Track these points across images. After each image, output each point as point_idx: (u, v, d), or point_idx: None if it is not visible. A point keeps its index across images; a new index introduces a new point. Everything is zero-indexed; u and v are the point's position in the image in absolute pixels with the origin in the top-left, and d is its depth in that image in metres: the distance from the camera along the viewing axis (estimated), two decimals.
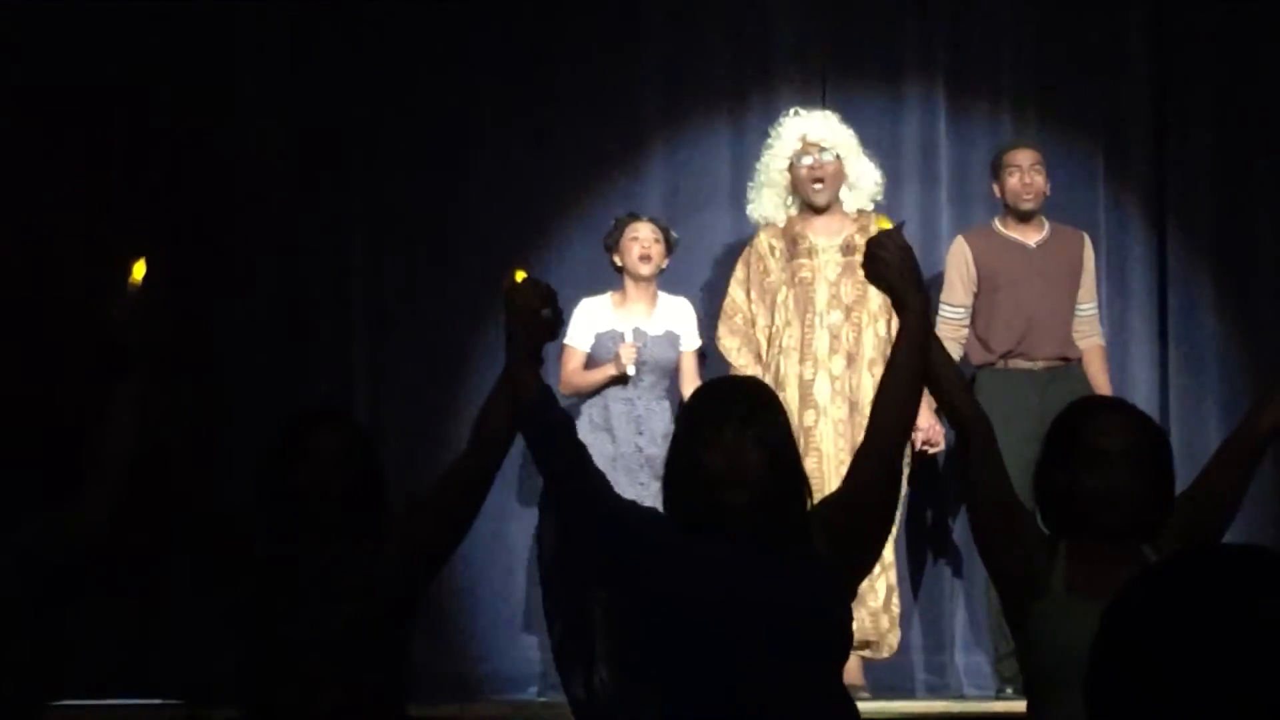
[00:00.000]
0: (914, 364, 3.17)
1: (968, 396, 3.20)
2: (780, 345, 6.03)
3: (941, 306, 6.14)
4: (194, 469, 3.57)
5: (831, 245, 6.08)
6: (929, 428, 5.91)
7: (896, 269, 3.20)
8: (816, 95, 6.66)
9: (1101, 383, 6.19)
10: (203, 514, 3.46)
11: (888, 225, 3.31)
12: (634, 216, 6.21)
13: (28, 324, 6.20)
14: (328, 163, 6.75)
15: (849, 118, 6.53)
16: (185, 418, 6.06)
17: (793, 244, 6.10)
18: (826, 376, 6.00)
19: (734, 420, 3.04)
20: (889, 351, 5.65)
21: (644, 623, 3.06)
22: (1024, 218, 6.22)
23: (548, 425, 3.26)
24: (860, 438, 5.68)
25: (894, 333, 5.76)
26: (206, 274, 6.54)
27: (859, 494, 3.18)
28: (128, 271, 3.39)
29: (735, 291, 6.15)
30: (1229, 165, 6.74)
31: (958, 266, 6.19)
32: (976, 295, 6.17)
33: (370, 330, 6.74)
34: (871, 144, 6.58)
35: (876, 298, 5.94)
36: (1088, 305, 6.26)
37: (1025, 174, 6.19)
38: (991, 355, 6.13)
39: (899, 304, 3.23)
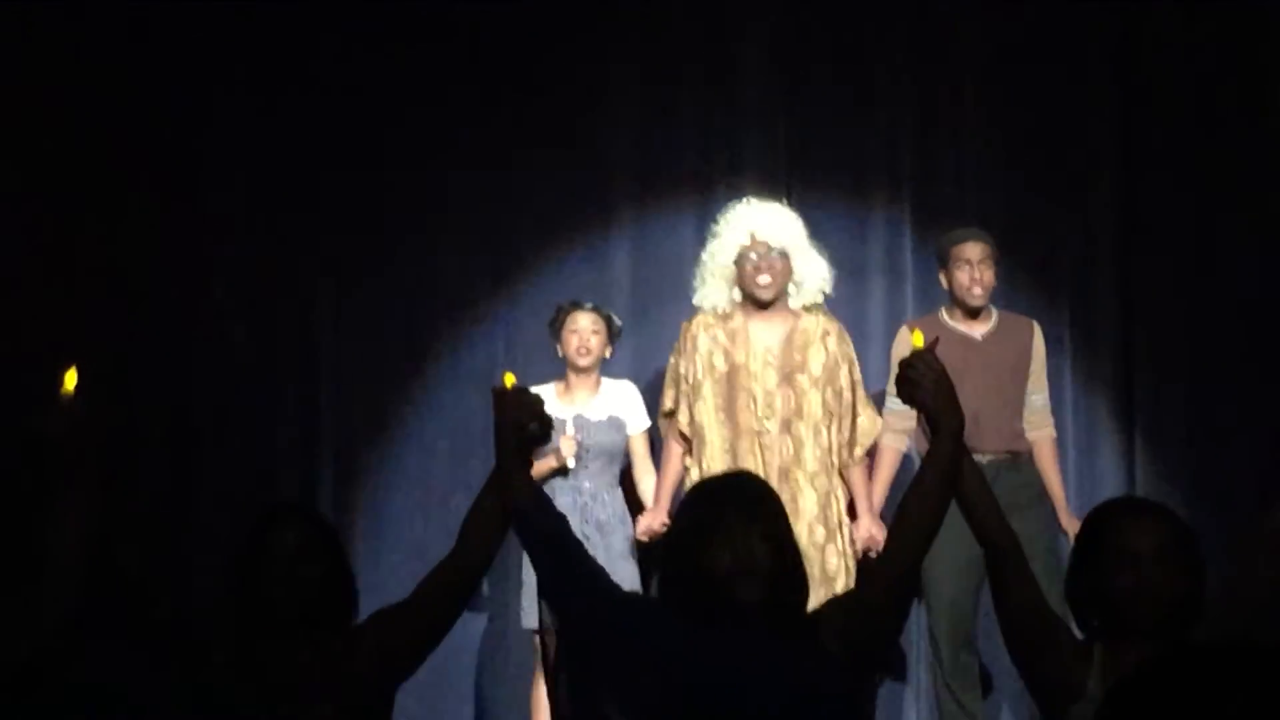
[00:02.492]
0: (943, 483, 3.15)
1: (998, 516, 3.17)
2: (711, 445, 5.87)
3: (887, 399, 6.08)
4: (148, 573, 3.48)
5: (768, 349, 5.93)
6: (868, 537, 5.89)
7: (931, 390, 3.17)
8: (781, 189, 6.65)
9: (1051, 473, 6.14)
10: (160, 618, 3.36)
11: (920, 344, 3.25)
12: (575, 305, 6.19)
13: None
14: (291, 242, 6.72)
15: (812, 214, 6.53)
16: (134, 522, 6.05)
17: (730, 338, 5.96)
18: None
19: (741, 516, 3.02)
20: (836, 460, 5.79)
21: (652, 711, 2.99)
22: (972, 311, 6.15)
23: (544, 531, 3.23)
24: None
25: (834, 442, 5.84)
26: (162, 369, 6.50)
27: (871, 598, 3.15)
28: (59, 381, 3.32)
29: (681, 369, 5.99)
30: (1197, 289, 6.71)
31: (899, 353, 6.12)
32: None
33: (335, 420, 6.70)
34: (836, 242, 6.59)
35: (817, 409, 5.88)
36: (1038, 395, 6.16)
37: (975, 269, 6.10)
38: None
39: (934, 424, 3.20)
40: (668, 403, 6.03)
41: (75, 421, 3.29)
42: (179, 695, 3.39)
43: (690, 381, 5.94)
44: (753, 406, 5.87)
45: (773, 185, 6.64)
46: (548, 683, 3.19)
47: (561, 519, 3.29)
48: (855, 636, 3.05)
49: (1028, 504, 5.91)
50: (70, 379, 3.34)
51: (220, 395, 6.59)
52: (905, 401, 3.26)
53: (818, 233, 6.58)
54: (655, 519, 5.95)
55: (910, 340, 3.29)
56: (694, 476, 5.84)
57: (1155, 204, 6.75)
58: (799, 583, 3.07)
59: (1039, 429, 6.15)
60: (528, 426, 3.29)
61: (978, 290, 6.10)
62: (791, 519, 5.59)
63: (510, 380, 3.35)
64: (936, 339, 3.29)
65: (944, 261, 6.19)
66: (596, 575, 3.20)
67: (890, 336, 6.64)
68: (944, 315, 6.19)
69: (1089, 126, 6.83)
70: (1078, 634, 3.13)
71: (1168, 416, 6.67)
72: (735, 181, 6.56)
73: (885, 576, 3.17)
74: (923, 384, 3.17)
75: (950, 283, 6.16)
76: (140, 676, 4.64)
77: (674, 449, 6.01)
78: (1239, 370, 6.65)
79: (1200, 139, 6.75)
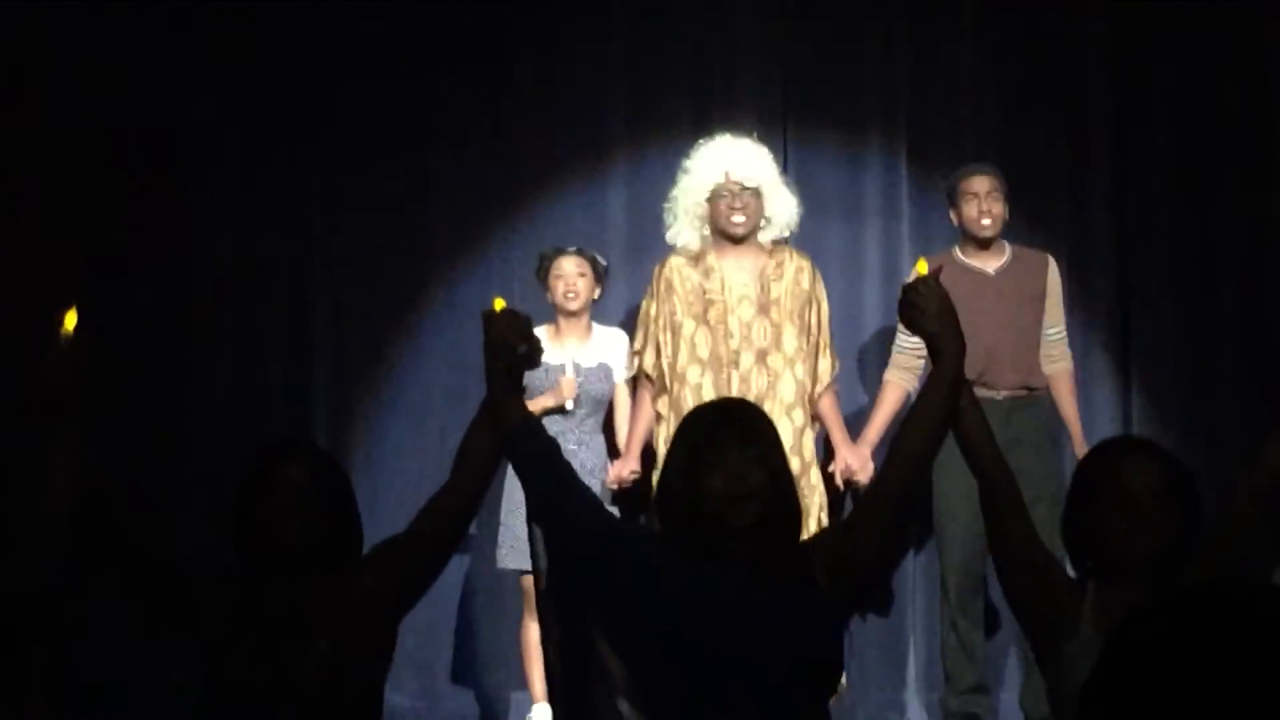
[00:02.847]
0: (942, 410, 3.13)
1: (993, 449, 3.16)
2: (687, 383, 5.87)
3: (897, 336, 6.07)
4: (141, 516, 3.45)
5: (744, 283, 5.93)
6: (845, 467, 5.90)
7: (934, 316, 3.16)
8: (778, 129, 6.62)
9: (1068, 406, 6.12)
10: (155, 562, 3.34)
11: (924, 270, 3.24)
12: (559, 251, 6.16)
13: None
14: (282, 189, 6.70)
15: (808, 153, 6.51)
16: (128, 465, 6.06)
17: (705, 276, 5.95)
18: None
19: (735, 441, 3.01)
20: (813, 393, 5.80)
21: (637, 641, 2.99)
22: (983, 244, 6.13)
23: (534, 452, 3.22)
24: None
25: (806, 377, 5.84)
26: (159, 308, 6.52)
27: (863, 528, 3.13)
28: (59, 321, 3.29)
29: (650, 311, 5.99)
30: (1188, 227, 6.70)
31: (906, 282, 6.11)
32: None
33: (329, 357, 6.70)
34: (832, 181, 6.57)
35: (792, 341, 5.88)
36: (1054, 329, 6.14)
37: (983, 201, 6.09)
38: None
39: (934, 350, 3.18)
40: (635, 344, 6.04)
41: (74, 362, 3.27)
42: (177, 636, 3.38)
43: (663, 322, 5.93)
44: (730, 340, 5.88)
45: (769, 125, 6.61)
46: (540, 616, 3.19)
47: (553, 442, 3.28)
48: (844, 568, 3.04)
49: (1040, 443, 5.92)
50: (70, 319, 3.32)
51: (213, 335, 6.59)
52: (907, 326, 3.25)
53: (813, 173, 6.58)
54: (625, 467, 5.95)
55: (916, 267, 3.29)
56: (667, 418, 5.85)
57: (1150, 142, 6.73)
58: (792, 510, 3.07)
59: (1057, 362, 6.14)
60: (517, 348, 3.25)
61: (986, 221, 6.08)
62: None
63: (500, 304, 3.32)
64: (941, 266, 3.28)
65: (953, 199, 6.18)
66: (588, 498, 3.20)
67: (886, 276, 6.63)
68: (957, 252, 6.17)
69: (1085, 65, 6.80)
70: (1072, 573, 3.13)
71: (1163, 354, 6.68)
72: (731, 121, 6.50)
73: (877, 502, 3.15)
74: (926, 309, 3.15)
75: (960, 218, 6.15)
76: (136, 620, 4.65)
77: (643, 396, 6.01)
78: (1233, 308, 6.65)
79: (1195, 77, 6.73)
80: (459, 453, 3.36)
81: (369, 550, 3.37)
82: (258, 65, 6.69)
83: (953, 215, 6.19)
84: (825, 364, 5.97)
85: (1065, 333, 6.19)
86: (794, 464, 5.81)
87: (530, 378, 5.93)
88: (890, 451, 3.21)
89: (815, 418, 5.97)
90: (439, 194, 6.75)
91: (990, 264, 6.14)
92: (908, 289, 3.20)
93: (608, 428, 6.15)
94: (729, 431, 3.03)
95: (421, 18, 6.73)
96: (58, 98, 6.48)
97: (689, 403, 5.78)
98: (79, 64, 6.50)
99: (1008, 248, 6.18)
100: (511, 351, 3.26)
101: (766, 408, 5.75)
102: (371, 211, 6.73)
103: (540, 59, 6.77)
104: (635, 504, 5.94)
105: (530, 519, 3.18)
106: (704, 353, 5.89)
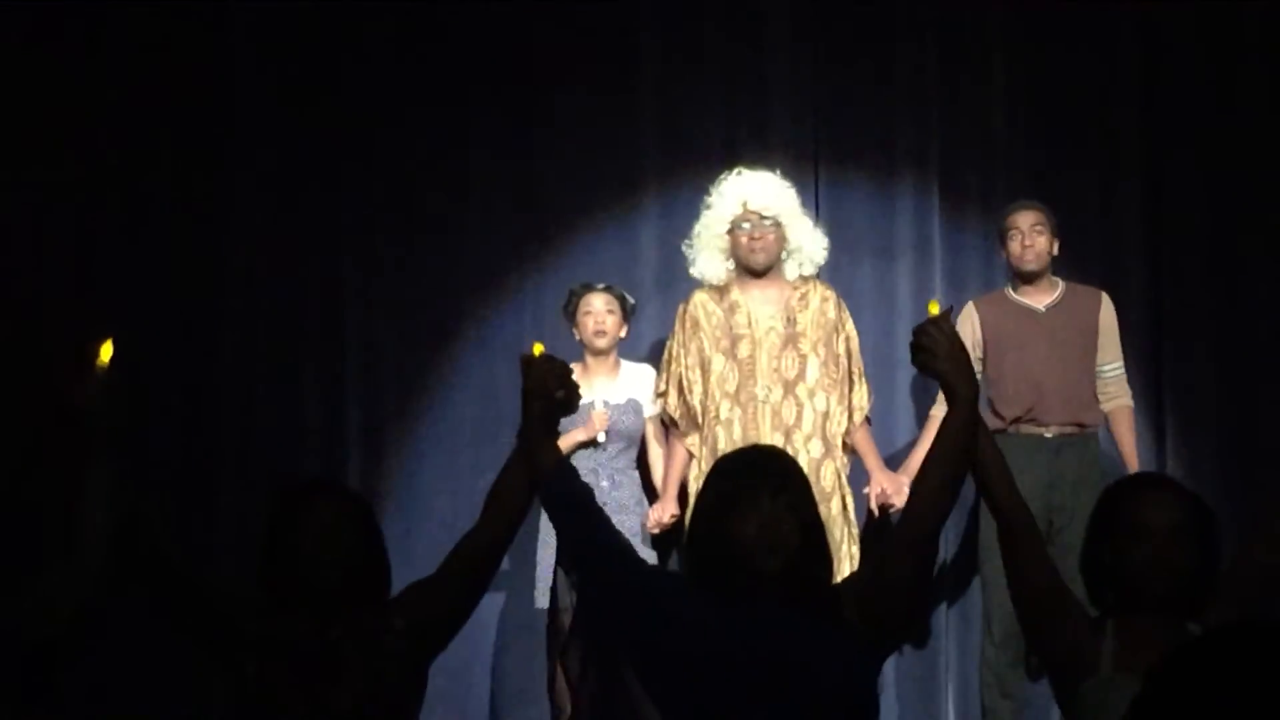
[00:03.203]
0: (958, 453, 3.12)
1: (1011, 489, 3.15)
2: (719, 417, 5.88)
3: None
4: (174, 543, 3.46)
5: (770, 315, 5.96)
6: (880, 492, 5.90)
7: (945, 357, 3.14)
8: (809, 166, 6.62)
9: (1127, 445, 6.12)
10: (189, 588, 3.34)
11: (936, 311, 3.22)
12: (588, 288, 6.18)
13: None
14: (318, 217, 6.73)
15: (840, 191, 6.50)
16: (161, 503, 6.07)
17: (730, 311, 5.98)
18: None
19: (767, 489, 3.01)
20: (832, 426, 5.79)
21: (670, 685, 2.98)
22: (1030, 279, 6.16)
23: (568, 497, 3.23)
24: None
25: (833, 409, 5.83)
26: (192, 344, 6.56)
27: (890, 573, 3.11)
28: (95, 353, 3.30)
29: (674, 352, 6.02)
30: (1221, 257, 6.69)
31: (963, 329, 6.10)
32: (984, 361, 6.09)
33: (363, 395, 6.72)
34: (863, 219, 6.57)
35: (814, 372, 5.87)
36: (1111, 365, 6.16)
37: (1026, 236, 6.13)
38: (1001, 422, 6.03)
39: (947, 391, 3.17)
40: (659, 386, 6.06)
41: (110, 395, 3.29)
42: (208, 674, 3.37)
43: (691, 361, 5.95)
44: (759, 374, 5.88)
45: (800, 162, 6.63)
46: (555, 659, 3.18)
47: (586, 488, 3.29)
48: (874, 609, 3.03)
49: (1089, 482, 5.90)
50: (106, 351, 3.33)
51: (247, 373, 6.60)
52: (919, 369, 3.24)
53: (845, 211, 6.58)
54: (665, 511, 5.97)
55: (929, 308, 3.26)
56: (700, 456, 5.87)
57: (1184, 176, 6.72)
58: (823, 556, 3.06)
59: (1115, 399, 6.15)
60: (555, 394, 3.28)
61: (1030, 255, 6.11)
62: None
63: (539, 349, 3.37)
64: (951, 307, 3.27)
65: (1001, 237, 6.23)
66: (620, 544, 3.19)
67: (918, 314, 6.59)
68: (1008, 290, 6.24)
69: (1116, 101, 6.79)
70: (1090, 610, 3.11)
71: (1198, 389, 6.64)
72: (762, 159, 6.52)
73: (903, 543, 3.13)
74: (937, 351, 3.14)
75: (1007, 255, 6.18)
76: (167, 655, 4.65)
77: (672, 439, 6.04)
78: (1270, 342, 6.62)
79: (1225, 108, 6.73)
80: (490, 494, 3.37)
81: (400, 592, 3.37)
82: (291, 101, 6.72)
83: (1002, 254, 6.24)
84: (860, 394, 5.98)
85: (1123, 369, 6.19)
86: (834, 486, 5.84)
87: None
88: (911, 493, 3.21)
89: (850, 449, 5.96)
90: (470, 232, 6.77)
91: (1040, 301, 6.17)
92: (918, 331, 3.18)
93: (641, 464, 6.14)
94: (761, 479, 3.03)
95: (452, 54, 6.75)
96: (92, 126, 6.51)
97: (720, 438, 5.79)
98: (113, 96, 6.54)
99: (1060, 284, 6.22)
100: (549, 397, 3.28)
101: (795, 439, 5.77)
102: (403, 248, 6.75)
103: (572, 95, 6.79)
104: (673, 544, 5.95)
105: (559, 563, 3.17)
106: (731, 387, 5.90)
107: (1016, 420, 6.02)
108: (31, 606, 3.28)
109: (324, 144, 6.73)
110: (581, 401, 5.89)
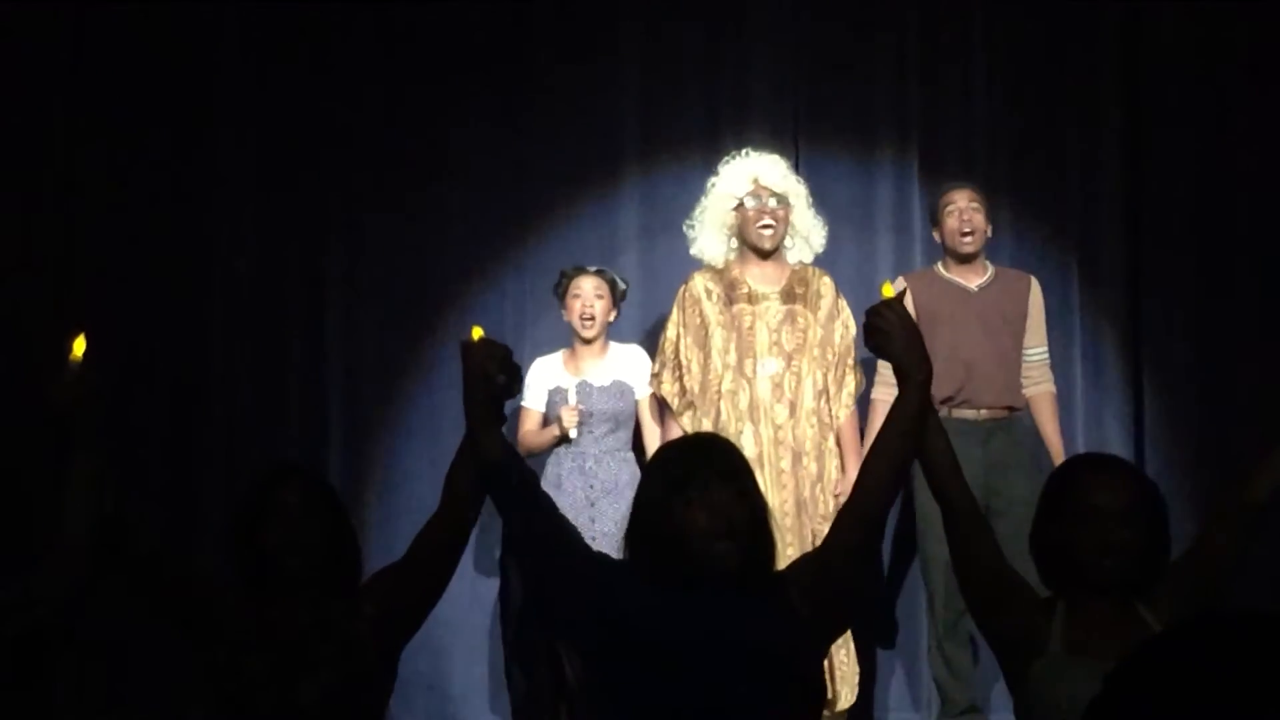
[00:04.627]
0: (907, 436, 3.11)
1: (956, 477, 3.14)
2: (719, 390, 5.90)
3: None
4: (155, 534, 3.49)
5: (770, 291, 5.97)
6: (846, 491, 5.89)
7: (899, 340, 3.13)
8: (789, 143, 6.64)
9: (1051, 431, 6.07)
10: (170, 580, 3.37)
11: (890, 293, 3.19)
12: (579, 270, 6.18)
13: None
14: (298, 212, 6.74)
15: (819, 168, 6.52)
16: (144, 490, 6.09)
17: (730, 288, 5.98)
18: (770, 426, 5.86)
19: (716, 476, 2.99)
20: (830, 403, 5.79)
21: (618, 669, 2.98)
22: (964, 259, 6.10)
23: (510, 484, 3.15)
24: (802, 489, 5.73)
25: (829, 383, 5.84)
26: (175, 331, 6.58)
27: (836, 557, 3.11)
28: (68, 348, 3.32)
29: (670, 334, 6.04)
30: (1202, 228, 6.68)
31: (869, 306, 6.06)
32: None
33: (344, 381, 6.72)
34: (843, 196, 6.58)
35: (814, 345, 5.89)
36: (1036, 350, 6.11)
37: (963, 213, 6.07)
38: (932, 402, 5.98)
39: (901, 375, 3.15)
40: (654, 368, 6.07)
41: (86, 389, 3.31)
42: (185, 659, 3.40)
43: (691, 339, 5.96)
44: (758, 346, 5.90)
45: (780, 139, 6.63)
46: (510, 645, 3.18)
47: (531, 474, 3.25)
48: (822, 593, 3.03)
49: (1020, 464, 5.89)
50: (79, 345, 3.35)
51: (228, 359, 6.61)
52: (873, 351, 3.22)
53: (825, 187, 6.59)
54: None
55: (882, 290, 3.24)
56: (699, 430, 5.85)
57: (1164, 152, 6.71)
58: (769, 541, 3.04)
59: (1038, 384, 6.10)
60: (495, 378, 3.16)
61: (967, 231, 6.06)
62: (796, 450, 5.71)
63: (478, 333, 3.24)
64: (905, 289, 3.25)
65: (935, 217, 6.18)
66: (565, 532, 3.15)
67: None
68: (939, 268, 6.18)
69: (1096, 76, 6.79)
70: (1040, 590, 3.11)
71: (1176, 364, 6.64)
72: (743, 136, 6.53)
73: (847, 528, 3.12)
74: (891, 333, 3.13)
75: (942, 233, 6.14)
76: (146, 641, 4.68)
77: (666, 420, 6.03)
78: (1249, 317, 6.63)
79: (1208, 77, 6.72)
80: (446, 481, 3.36)
81: (367, 579, 3.38)
82: (272, 86, 6.73)
83: (936, 234, 6.20)
84: (851, 382, 5.99)
85: (1048, 355, 6.15)
86: (811, 469, 5.84)
87: (551, 399, 6.01)
88: (858, 476, 3.18)
89: (836, 437, 5.96)
90: (451, 216, 6.77)
91: (972, 280, 6.12)
92: (871, 313, 3.16)
93: (637, 445, 6.14)
94: (712, 466, 3.01)
95: (433, 38, 6.75)
96: (75, 113, 6.52)
97: (724, 411, 5.81)
98: (96, 81, 6.54)
99: (990, 266, 6.18)
100: (490, 382, 3.18)
101: (799, 412, 5.79)
102: (384, 234, 6.75)
103: (551, 76, 6.78)
104: None
105: (505, 551, 3.17)
106: (733, 359, 5.92)
107: (947, 400, 5.87)
108: (14, 599, 3.30)
109: (305, 130, 6.73)
110: (559, 388, 5.94)
